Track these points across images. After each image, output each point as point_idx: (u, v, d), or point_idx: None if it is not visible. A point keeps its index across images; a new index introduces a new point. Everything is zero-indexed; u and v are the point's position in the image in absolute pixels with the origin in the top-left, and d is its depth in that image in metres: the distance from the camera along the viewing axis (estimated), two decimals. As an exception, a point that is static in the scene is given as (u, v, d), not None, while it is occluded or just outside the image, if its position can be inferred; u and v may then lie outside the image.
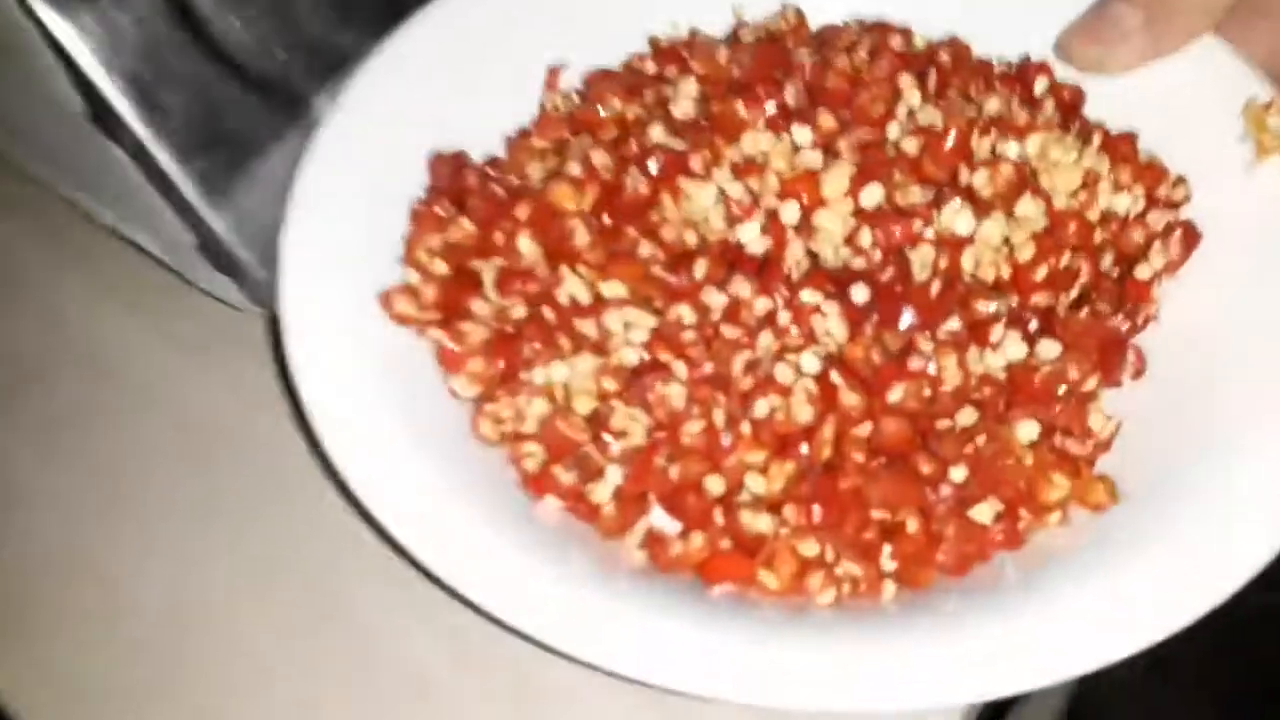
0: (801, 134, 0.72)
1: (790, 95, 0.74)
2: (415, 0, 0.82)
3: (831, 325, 0.67)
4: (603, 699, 0.68)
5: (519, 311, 0.72)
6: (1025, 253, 0.71)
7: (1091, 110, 0.78)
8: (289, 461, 0.79)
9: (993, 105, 0.75)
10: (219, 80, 0.75)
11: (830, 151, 0.72)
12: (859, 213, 0.71)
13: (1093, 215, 0.74)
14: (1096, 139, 0.76)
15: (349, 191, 0.75)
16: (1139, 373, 0.72)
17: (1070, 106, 0.78)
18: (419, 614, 0.70)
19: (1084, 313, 0.72)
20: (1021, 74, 0.79)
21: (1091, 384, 0.69)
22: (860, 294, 0.67)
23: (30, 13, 0.69)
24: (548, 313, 0.71)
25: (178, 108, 0.74)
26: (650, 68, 0.80)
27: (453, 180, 0.77)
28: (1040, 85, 0.78)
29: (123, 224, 0.86)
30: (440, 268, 0.73)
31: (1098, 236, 0.74)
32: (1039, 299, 0.71)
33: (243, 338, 0.85)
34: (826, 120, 0.72)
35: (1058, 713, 1.05)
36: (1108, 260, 0.74)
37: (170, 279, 0.86)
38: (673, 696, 0.58)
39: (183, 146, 0.75)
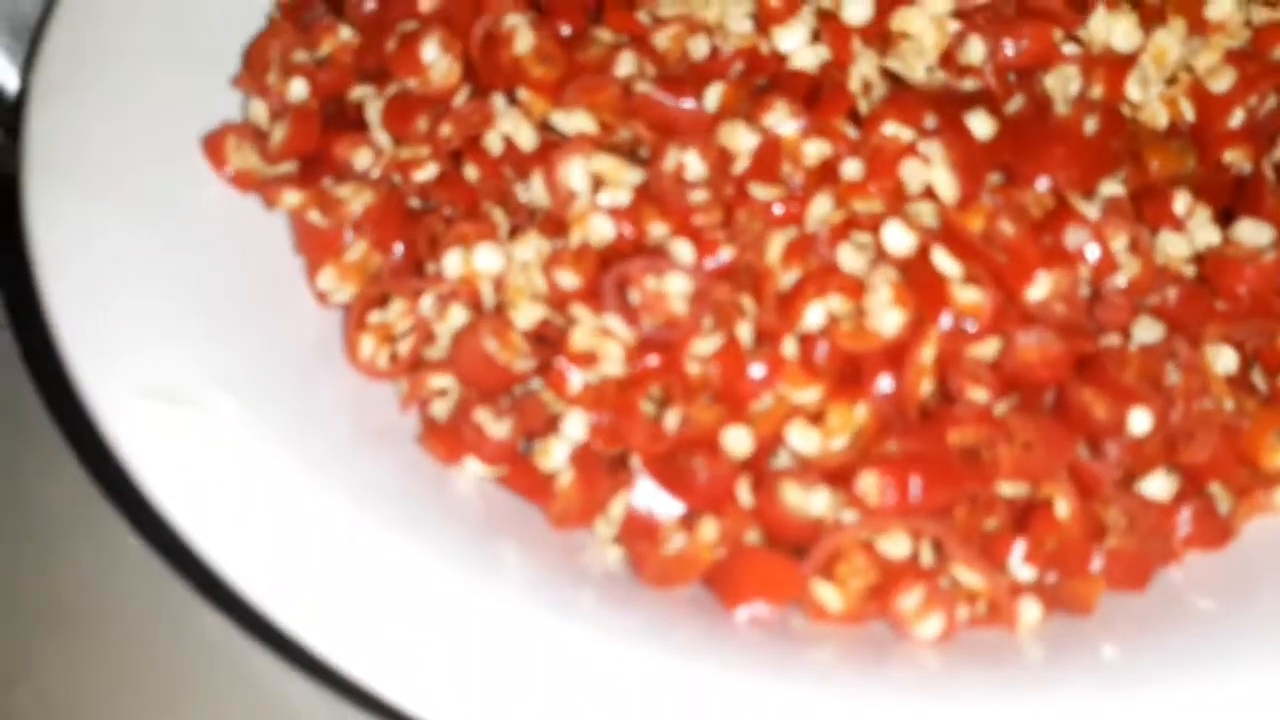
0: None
1: None
2: None
3: (936, 176, 0.41)
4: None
5: (426, 169, 0.46)
6: (1221, 80, 0.45)
7: None
8: None
9: None
10: None
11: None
12: (964, 12, 0.45)
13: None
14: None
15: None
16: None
17: None
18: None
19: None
20: None
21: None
22: (982, 125, 0.41)
23: None
24: (470, 168, 0.45)
25: None
26: None
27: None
28: None
29: None
30: (299, 91, 0.46)
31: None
32: (1233, 156, 0.46)
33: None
34: None
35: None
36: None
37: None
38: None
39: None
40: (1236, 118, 0.47)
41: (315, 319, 0.46)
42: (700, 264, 0.43)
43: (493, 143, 0.46)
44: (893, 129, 0.42)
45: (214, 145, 0.46)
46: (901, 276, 0.41)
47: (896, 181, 0.42)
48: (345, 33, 0.48)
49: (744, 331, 0.43)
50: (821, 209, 0.43)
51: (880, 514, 0.41)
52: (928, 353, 0.41)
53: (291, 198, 0.46)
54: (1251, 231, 0.45)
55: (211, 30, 0.48)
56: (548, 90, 0.45)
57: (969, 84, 0.44)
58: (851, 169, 0.43)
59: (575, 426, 0.43)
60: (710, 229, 0.43)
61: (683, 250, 0.43)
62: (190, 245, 0.44)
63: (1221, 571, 0.43)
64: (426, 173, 0.47)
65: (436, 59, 0.45)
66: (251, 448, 0.40)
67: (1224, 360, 0.44)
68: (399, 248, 0.46)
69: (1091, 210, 0.41)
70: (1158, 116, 0.47)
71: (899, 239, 0.41)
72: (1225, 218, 0.48)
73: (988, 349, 0.41)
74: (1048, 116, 0.44)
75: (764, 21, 0.46)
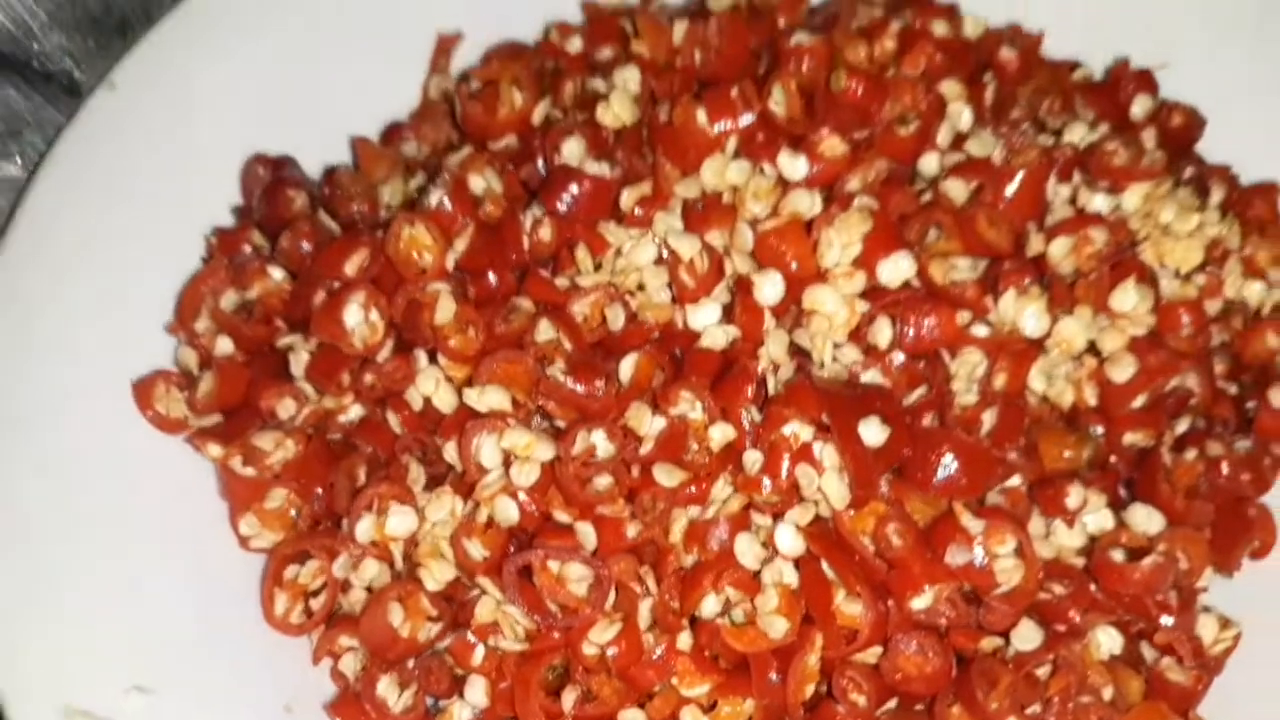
0: (792, 164, 0.47)
1: (777, 101, 0.48)
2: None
3: (827, 482, 0.42)
4: None
5: (350, 412, 0.47)
6: (1122, 370, 0.47)
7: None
8: None
9: (1077, 132, 0.51)
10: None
11: (834, 193, 0.47)
12: (874, 292, 0.46)
13: (1213, 308, 0.50)
14: (1219, 192, 0.52)
15: (101, 217, 0.49)
16: (1265, 548, 0.49)
17: (1182, 139, 0.54)
18: None
19: (1191, 455, 0.48)
20: (1113, 87, 0.54)
21: (1204, 580, 0.46)
22: (874, 434, 0.42)
23: None
24: (392, 418, 0.46)
25: None
26: (576, 45, 0.55)
27: (270, 200, 0.52)
28: (1141, 106, 0.54)
29: None
30: (226, 347, 0.47)
31: (1214, 337, 0.50)
32: (1134, 438, 0.47)
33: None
34: (832, 145, 0.47)
35: None
36: (1219, 369, 0.51)
37: None
38: None
39: None
40: (1140, 400, 0.48)
41: (238, 562, 0.48)
42: (604, 542, 0.45)
43: (413, 398, 0.47)
44: (794, 426, 0.44)
45: (143, 391, 0.48)
46: (791, 580, 0.43)
47: (793, 477, 0.44)
48: (276, 274, 0.49)
49: (644, 614, 0.44)
50: (722, 494, 0.45)
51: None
52: (812, 660, 0.42)
53: (215, 450, 0.47)
54: (1143, 518, 0.46)
55: (150, 271, 0.50)
56: (466, 358, 0.46)
57: (870, 375, 0.46)
58: (752, 459, 0.44)
59: (477, 693, 0.45)
60: (615, 511, 0.44)
61: (586, 534, 0.44)
62: (114, 501, 0.46)
63: None
64: (349, 415, 0.49)
65: (358, 324, 0.46)
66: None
67: (1108, 642, 0.46)
68: (320, 493, 0.48)
69: (976, 525, 0.43)
70: (1063, 396, 0.48)
71: (789, 542, 0.43)
72: (1129, 486, 0.50)
73: (870, 656, 0.43)
74: (947, 411, 0.45)
75: (680, 295, 0.47)
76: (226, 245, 0.51)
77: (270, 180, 0.52)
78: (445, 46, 0.59)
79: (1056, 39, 0.57)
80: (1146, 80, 0.55)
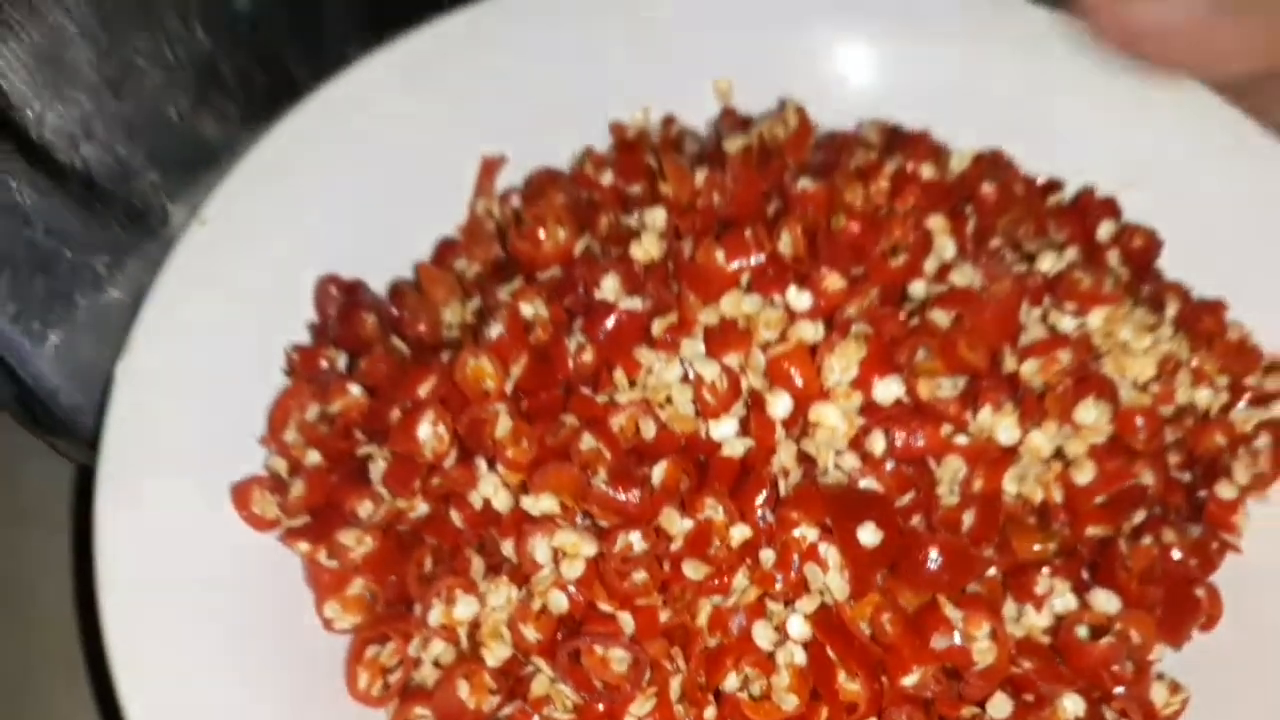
0: (798, 298, 0.55)
1: (785, 243, 0.56)
2: (306, 75, 0.63)
3: (831, 578, 0.50)
4: None
5: (418, 510, 0.55)
6: (1084, 474, 0.54)
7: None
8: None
9: (1048, 262, 0.58)
10: (38, 198, 0.56)
11: (834, 321, 0.55)
12: (869, 408, 0.54)
13: (1166, 411, 0.57)
14: (1173, 308, 0.59)
15: (202, 338, 0.57)
16: (1212, 621, 0.56)
17: (1141, 259, 0.61)
18: None
19: (1146, 541, 0.55)
20: (1080, 211, 0.62)
21: (1156, 653, 0.53)
22: (870, 536, 0.50)
23: None
24: (455, 516, 0.54)
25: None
26: (608, 179, 0.62)
27: (345, 322, 0.59)
28: (1105, 230, 0.61)
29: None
30: (314, 458, 0.55)
31: (1168, 435, 0.58)
32: (1095, 530, 0.55)
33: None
34: (833, 282, 0.55)
35: None
36: (1173, 460, 0.58)
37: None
38: None
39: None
40: (1099, 499, 0.56)
41: (323, 642, 0.55)
42: (640, 628, 0.52)
43: (475, 500, 0.55)
44: (803, 530, 0.51)
45: (241, 494, 0.55)
46: (801, 661, 0.50)
47: (802, 573, 0.51)
48: (355, 390, 0.57)
49: (675, 685, 0.52)
50: (741, 585, 0.52)
51: None
52: (820, 727, 0.50)
53: (304, 546, 0.55)
54: (1104, 601, 0.54)
55: (242, 386, 0.57)
56: (521, 467, 0.54)
57: (867, 482, 0.53)
58: (766, 556, 0.52)
59: (532, 761, 0.53)
60: (649, 601, 0.52)
61: (626, 621, 0.52)
62: (216, 588, 0.53)
63: None
64: (418, 513, 0.56)
65: (429, 437, 0.54)
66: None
67: (1073, 707, 0.52)
68: (392, 580, 0.56)
69: (957, 614, 0.50)
70: (1034, 494, 0.56)
71: (799, 629, 0.50)
72: (1091, 570, 0.58)
73: (866, 726, 0.50)
74: (933, 512, 0.53)
75: (703, 411, 0.55)
76: (307, 362, 0.58)
77: (344, 303, 0.60)
78: (490, 170, 0.67)
79: (1036, 161, 0.65)
80: (1110, 207, 0.62)
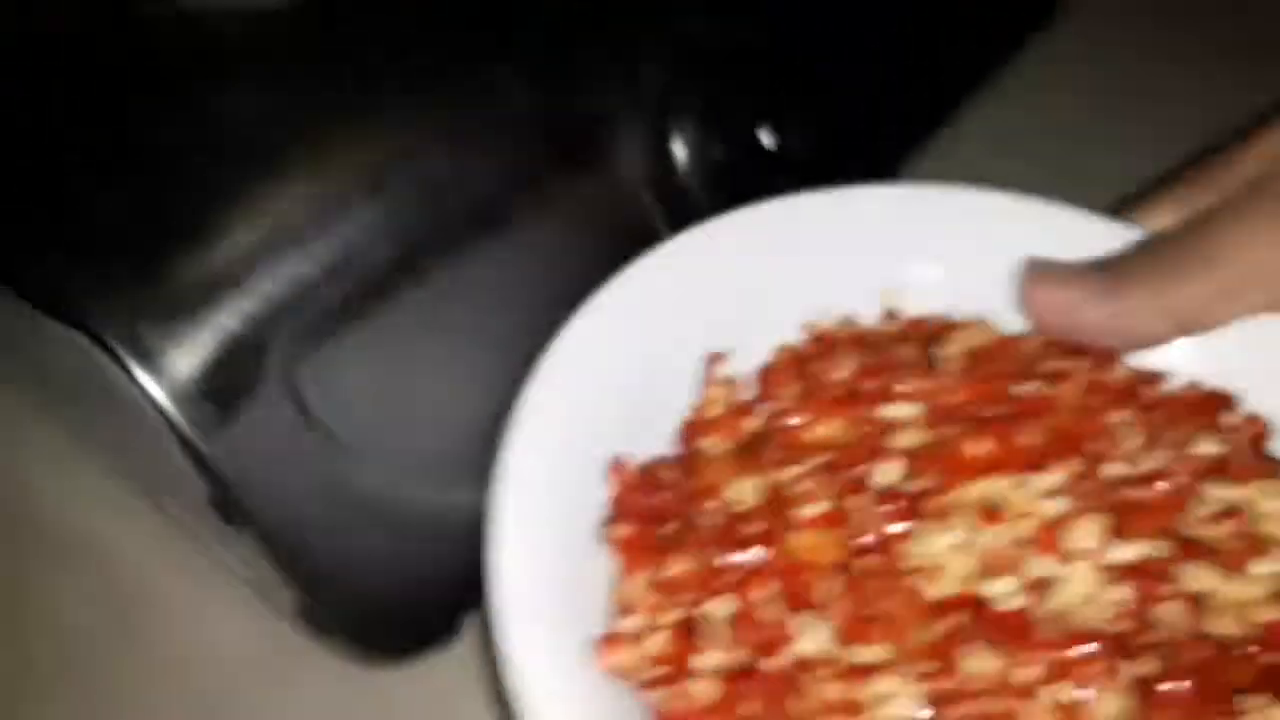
0: (1045, 480, 0.69)
1: (1026, 435, 0.70)
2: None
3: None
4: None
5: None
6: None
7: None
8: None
9: (1207, 446, 0.74)
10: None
11: (1073, 497, 0.69)
12: (1106, 568, 0.68)
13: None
14: (1294, 479, 0.76)
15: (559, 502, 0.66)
16: None
17: (1258, 442, 0.78)
18: None
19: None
20: (1207, 404, 0.79)
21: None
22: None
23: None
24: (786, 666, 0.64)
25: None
26: (846, 373, 0.76)
27: (644, 491, 0.70)
28: (1229, 418, 0.78)
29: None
30: (669, 616, 0.65)
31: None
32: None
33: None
34: (1074, 464, 0.69)
35: None
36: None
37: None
38: None
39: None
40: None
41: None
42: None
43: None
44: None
45: (604, 646, 0.64)
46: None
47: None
48: (683, 562, 0.67)
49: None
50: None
51: None
52: None
53: (657, 694, 0.64)
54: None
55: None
56: (851, 627, 0.65)
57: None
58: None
59: None
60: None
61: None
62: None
63: None
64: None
65: (771, 606, 0.65)
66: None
67: None
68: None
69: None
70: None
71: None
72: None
73: None
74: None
75: (984, 573, 0.68)
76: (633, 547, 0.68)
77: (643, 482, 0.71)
78: (716, 361, 0.79)
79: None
80: (1228, 399, 0.80)
